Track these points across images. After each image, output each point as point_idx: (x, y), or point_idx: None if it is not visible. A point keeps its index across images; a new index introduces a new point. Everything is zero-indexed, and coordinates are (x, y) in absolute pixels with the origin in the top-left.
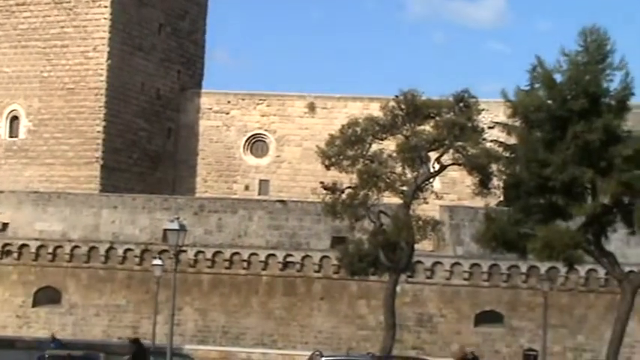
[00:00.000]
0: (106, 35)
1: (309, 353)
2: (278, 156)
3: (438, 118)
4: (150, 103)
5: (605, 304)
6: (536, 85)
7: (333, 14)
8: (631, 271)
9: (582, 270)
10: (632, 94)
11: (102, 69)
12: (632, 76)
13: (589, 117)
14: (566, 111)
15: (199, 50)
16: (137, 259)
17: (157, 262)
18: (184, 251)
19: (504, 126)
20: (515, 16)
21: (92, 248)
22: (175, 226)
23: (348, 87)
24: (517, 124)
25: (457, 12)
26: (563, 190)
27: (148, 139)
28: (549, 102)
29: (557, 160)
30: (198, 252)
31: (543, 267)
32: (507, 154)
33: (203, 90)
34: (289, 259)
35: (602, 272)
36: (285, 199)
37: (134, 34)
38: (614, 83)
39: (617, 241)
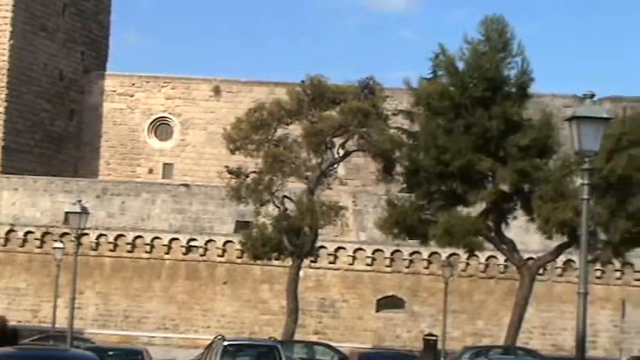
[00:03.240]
0: (9, 15)
1: (211, 337)
2: (182, 139)
3: (343, 104)
4: (53, 85)
5: (505, 290)
6: (439, 73)
7: None
8: (530, 258)
9: (482, 256)
10: (531, 79)
11: (4, 49)
12: (529, 62)
13: (489, 104)
14: (467, 98)
15: (104, 31)
16: (38, 242)
17: (58, 245)
18: (86, 234)
19: (408, 113)
20: (427, 4)
21: None
22: (77, 208)
23: (254, 72)
24: (420, 111)
25: None
26: (462, 176)
27: (50, 120)
28: (451, 89)
29: (455, 147)
30: (100, 235)
31: (444, 253)
32: (410, 141)
33: (107, 72)
34: (192, 243)
35: (501, 259)
36: (189, 182)
37: (37, 14)
38: (514, 71)
39: (516, 228)
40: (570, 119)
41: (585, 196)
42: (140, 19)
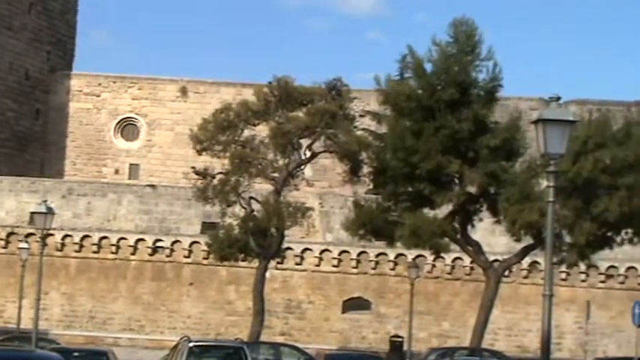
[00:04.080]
0: None
1: (176, 339)
2: (149, 140)
3: (310, 106)
4: (18, 84)
5: (470, 292)
6: (407, 75)
7: None
8: (495, 260)
9: (448, 258)
10: (501, 85)
11: None
12: (500, 67)
13: (458, 107)
14: (435, 100)
15: (71, 31)
16: (3, 242)
17: (24, 245)
18: (51, 235)
19: (375, 115)
20: (395, 6)
21: None
22: (43, 209)
23: (222, 72)
24: (388, 112)
25: (337, 0)
26: (430, 178)
27: (16, 120)
28: (419, 91)
29: (424, 148)
30: (66, 236)
31: (411, 255)
32: (377, 143)
33: (73, 72)
34: (159, 244)
35: (467, 260)
36: (155, 183)
37: (3, 13)
38: (482, 74)
39: (482, 230)
40: (536, 122)
41: (551, 199)
42: (107, 19)
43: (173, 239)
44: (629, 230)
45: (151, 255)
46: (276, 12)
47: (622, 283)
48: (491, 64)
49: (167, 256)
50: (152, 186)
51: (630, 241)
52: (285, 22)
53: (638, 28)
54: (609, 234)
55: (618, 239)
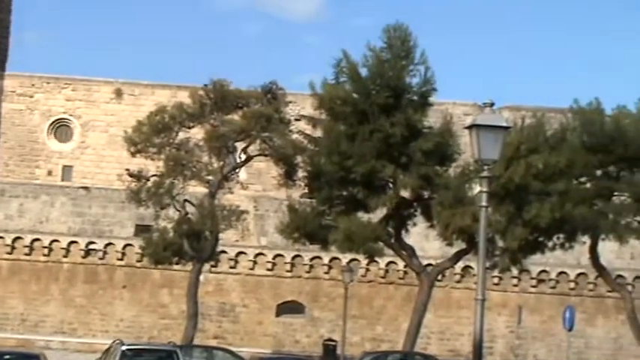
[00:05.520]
0: None
1: (109, 342)
2: (83, 141)
3: (245, 109)
4: None
5: (404, 296)
6: (342, 79)
7: (145, 0)
8: (429, 264)
9: (382, 262)
10: (434, 89)
11: None
12: (433, 71)
13: (391, 111)
14: (370, 105)
15: (4, 31)
16: None
17: None
18: None
19: (310, 119)
20: (334, 11)
21: None
22: None
23: (157, 75)
24: (323, 116)
25: (274, 4)
26: (364, 182)
27: None
28: (355, 95)
29: (359, 152)
30: None
31: (345, 258)
32: (312, 147)
33: (6, 72)
34: (92, 246)
35: (401, 264)
36: (88, 185)
37: None
38: (416, 79)
39: (416, 234)
40: (470, 127)
41: (484, 204)
42: (40, 19)
43: (106, 242)
44: (561, 235)
45: (83, 257)
46: (213, 14)
47: (553, 287)
48: (424, 68)
49: (100, 259)
50: (85, 188)
51: (561, 246)
52: (222, 25)
53: (572, 34)
54: (541, 239)
55: (550, 244)
